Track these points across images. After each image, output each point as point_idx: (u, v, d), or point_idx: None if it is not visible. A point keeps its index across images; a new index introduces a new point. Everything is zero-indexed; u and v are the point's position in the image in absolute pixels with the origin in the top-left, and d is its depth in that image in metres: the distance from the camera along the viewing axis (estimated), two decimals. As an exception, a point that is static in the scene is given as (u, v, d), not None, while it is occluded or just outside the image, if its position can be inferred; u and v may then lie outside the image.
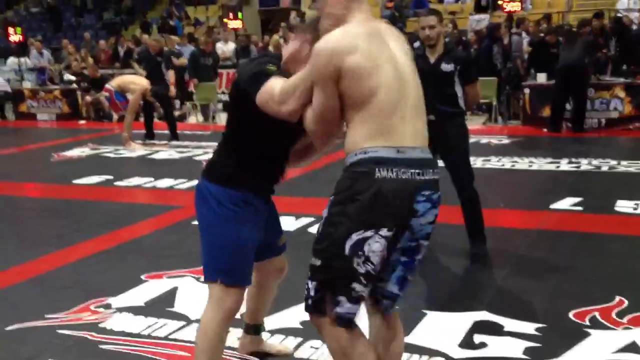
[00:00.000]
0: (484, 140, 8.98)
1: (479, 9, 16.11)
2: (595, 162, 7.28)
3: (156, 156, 8.84)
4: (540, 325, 3.25)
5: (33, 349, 3.24)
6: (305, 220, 5.23)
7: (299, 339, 3.18)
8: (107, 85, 9.69)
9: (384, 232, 2.03)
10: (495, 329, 3.26)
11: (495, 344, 3.10)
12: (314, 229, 4.78)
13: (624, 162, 7.21)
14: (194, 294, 3.83)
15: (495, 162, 7.49)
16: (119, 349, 3.21)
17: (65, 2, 24.80)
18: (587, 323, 3.28)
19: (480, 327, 3.30)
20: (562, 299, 3.61)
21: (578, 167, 7.12)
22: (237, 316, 2.62)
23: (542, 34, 11.22)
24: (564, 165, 7.23)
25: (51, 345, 3.28)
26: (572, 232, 4.94)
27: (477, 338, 3.18)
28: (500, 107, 10.82)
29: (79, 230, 5.34)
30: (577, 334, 3.16)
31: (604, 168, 7.01)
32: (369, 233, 2.02)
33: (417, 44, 4.85)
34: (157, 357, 3.11)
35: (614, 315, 3.34)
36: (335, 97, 2.07)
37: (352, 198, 2.03)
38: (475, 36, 12.55)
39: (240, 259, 2.48)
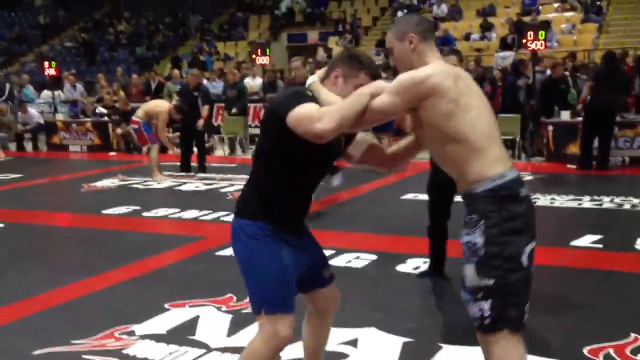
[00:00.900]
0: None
1: (504, 46, 16.27)
2: (617, 199, 7.27)
3: (183, 187, 9.04)
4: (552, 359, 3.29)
5: (59, 373, 3.36)
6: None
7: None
8: (134, 117, 9.83)
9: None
10: (509, 363, 3.29)
11: (508, 378, 3.13)
12: (335, 261, 4.86)
13: (647, 200, 7.18)
14: (215, 323, 3.94)
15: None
16: (141, 375, 3.31)
17: (99, 37, 25.55)
18: (601, 359, 3.30)
19: (495, 361, 3.33)
20: (579, 336, 3.63)
21: (600, 204, 7.11)
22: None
23: (566, 72, 11.26)
24: (586, 202, 7.24)
25: (76, 369, 3.39)
26: (591, 269, 4.95)
27: (491, 372, 3.21)
28: (524, 144, 10.86)
29: (106, 259, 5.49)
30: (590, 370, 3.18)
31: (626, 206, 7.00)
32: (533, 243, 2.33)
33: None
34: (178, 383, 3.21)
35: (628, 352, 3.36)
36: (403, 109, 2.36)
37: (509, 217, 2.29)
38: (500, 73, 12.67)
39: (281, 284, 2.49)
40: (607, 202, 7.18)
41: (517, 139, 10.77)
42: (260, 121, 2.79)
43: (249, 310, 4.11)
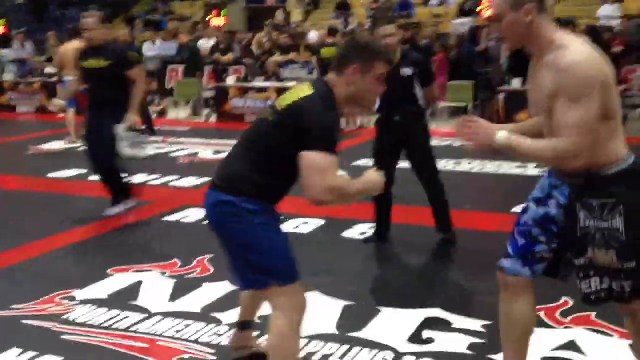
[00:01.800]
0: (457, 143, 9.13)
1: (463, 13, 16.30)
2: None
3: (133, 151, 8.88)
4: (486, 322, 3.39)
5: (-4, 338, 3.33)
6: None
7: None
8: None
9: None
10: (444, 326, 3.41)
11: (442, 340, 3.25)
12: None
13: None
14: (157, 288, 3.95)
15: (465, 165, 7.64)
16: (81, 340, 3.31)
17: (50, -6, 24.73)
18: (532, 322, 3.41)
19: (431, 323, 3.44)
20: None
21: (545, 172, 7.26)
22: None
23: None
24: (530, 170, 7.40)
25: (15, 335, 3.37)
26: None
27: (426, 334, 3.32)
28: (475, 111, 10.99)
29: (51, 224, 5.42)
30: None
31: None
32: None
33: None
34: (117, 349, 3.22)
35: (557, 315, 3.49)
36: (601, 106, 2.21)
37: None
38: (457, 40, 12.72)
39: (290, 252, 2.55)
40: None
41: (469, 107, 10.89)
42: (278, 117, 2.49)
43: (193, 275, 4.16)
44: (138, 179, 7.04)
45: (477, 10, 15.07)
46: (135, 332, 3.38)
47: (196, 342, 3.26)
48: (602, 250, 2.31)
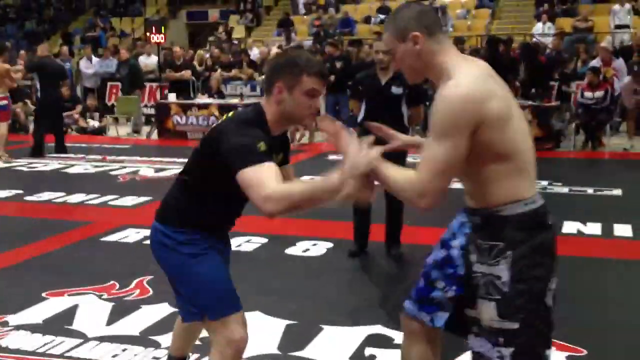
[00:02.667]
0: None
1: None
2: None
3: (70, 170, 8.68)
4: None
5: None
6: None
7: None
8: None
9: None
10: (386, 342, 3.42)
11: (384, 357, 3.26)
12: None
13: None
14: (94, 311, 3.84)
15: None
16: (13, 368, 3.19)
17: (-15, 10, 24.03)
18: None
19: (372, 340, 3.44)
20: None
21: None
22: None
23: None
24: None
25: (-59, 364, 3.23)
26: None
27: (368, 351, 3.33)
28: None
29: (-18, 247, 5.22)
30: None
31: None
32: (555, 280, 2.04)
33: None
34: (51, 375, 3.11)
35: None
36: (468, 147, 1.93)
37: (539, 249, 1.99)
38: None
39: (225, 284, 2.45)
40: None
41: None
42: (200, 143, 2.44)
43: (131, 297, 4.07)
44: (76, 198, 6.89)
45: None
46: (70, 357, 3.27)
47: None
48: (485, 302, 2.01)
